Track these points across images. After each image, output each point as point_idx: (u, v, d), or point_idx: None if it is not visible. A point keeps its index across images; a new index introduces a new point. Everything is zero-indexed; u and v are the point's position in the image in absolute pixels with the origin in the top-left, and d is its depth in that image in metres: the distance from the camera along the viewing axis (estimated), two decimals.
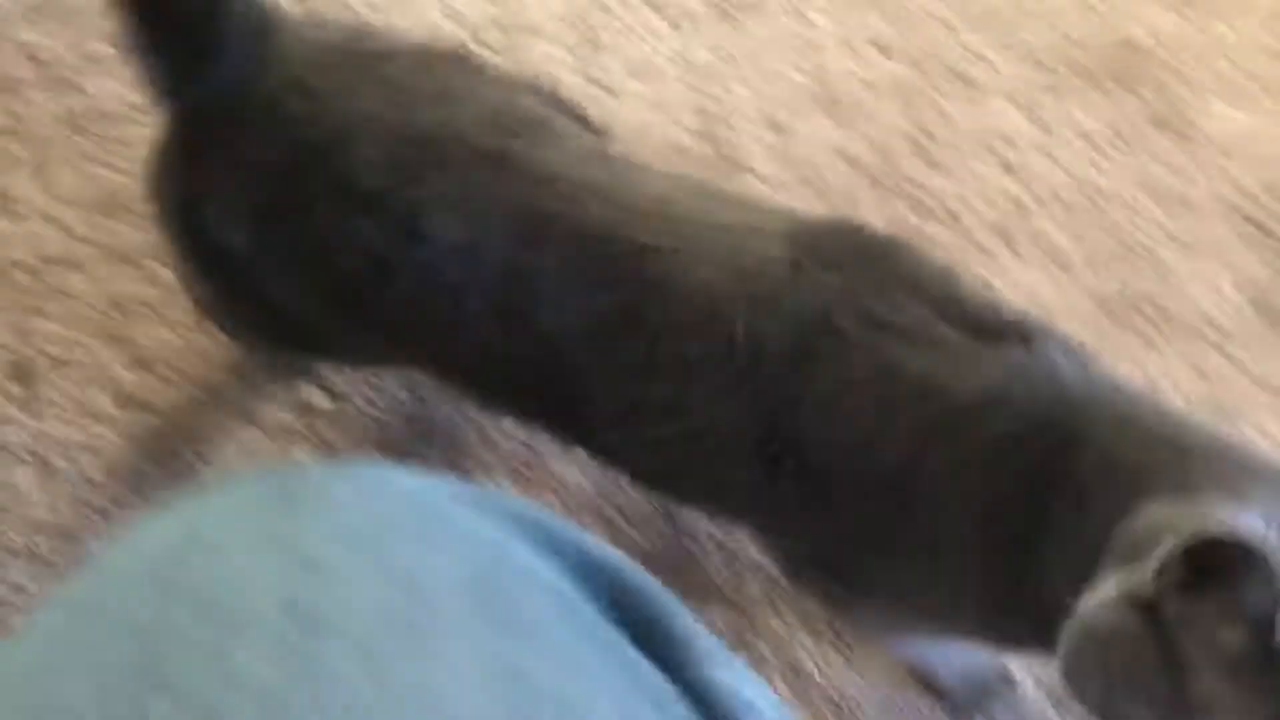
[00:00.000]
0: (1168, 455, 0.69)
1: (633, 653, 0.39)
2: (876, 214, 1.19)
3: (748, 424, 0.78)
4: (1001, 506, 0.72)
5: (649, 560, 0.91)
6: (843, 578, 0.84)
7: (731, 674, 0.42)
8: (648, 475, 0.90)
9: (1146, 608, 0.62)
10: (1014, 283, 1.13)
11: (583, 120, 0.91)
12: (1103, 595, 0.64)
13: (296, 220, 0.84)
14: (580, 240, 0.80)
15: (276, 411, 1.11)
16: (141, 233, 1.13)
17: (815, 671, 0.97)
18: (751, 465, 0.80)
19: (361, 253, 0.82)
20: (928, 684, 0.98)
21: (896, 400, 0.74)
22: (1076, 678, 0.67)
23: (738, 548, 1.02)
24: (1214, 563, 0.60)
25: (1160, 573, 0.61)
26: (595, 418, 0.84)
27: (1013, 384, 0.72)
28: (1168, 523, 0.63)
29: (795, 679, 0.96)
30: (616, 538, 1.04)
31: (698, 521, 1.04)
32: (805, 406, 0.76)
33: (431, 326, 0.85)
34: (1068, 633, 0.66)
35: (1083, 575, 0.66)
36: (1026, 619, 0.71)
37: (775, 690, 0.91)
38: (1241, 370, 1.07)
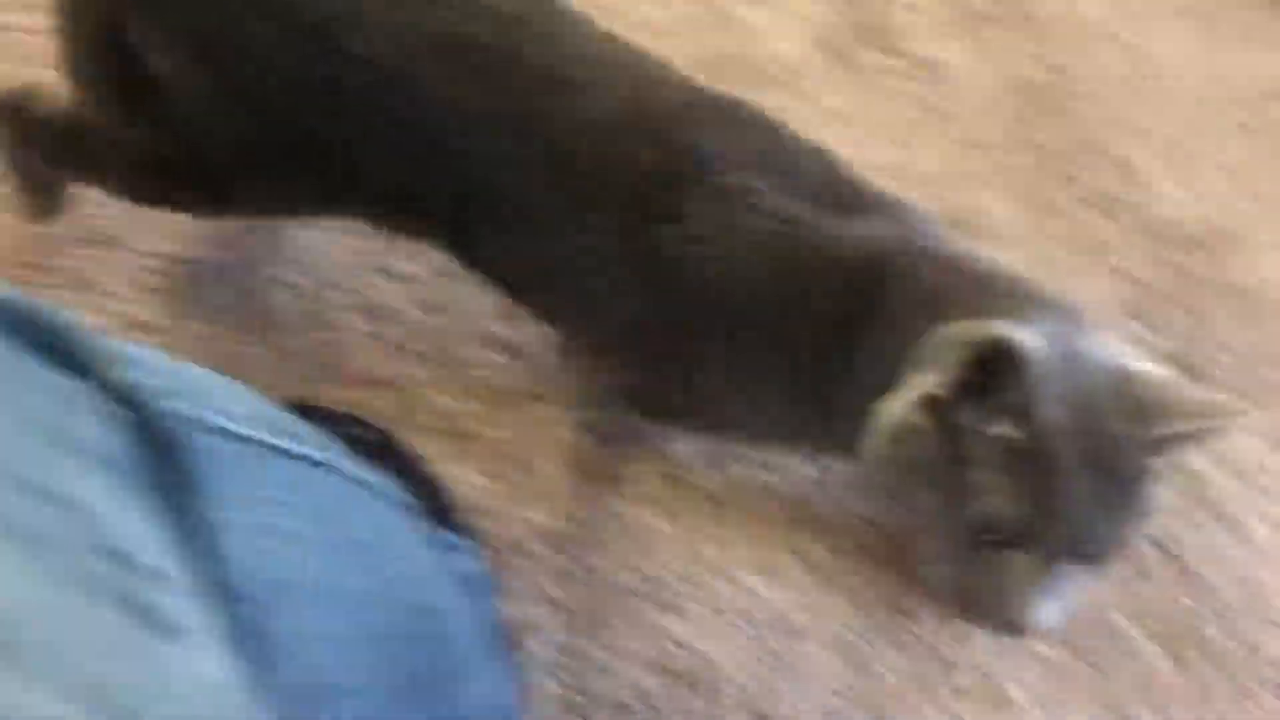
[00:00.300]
0: (966, 286, 0.78)
1: (34, 364, 0.47)
2: None
3: (627, 248, 0.85)
4: (827, 336, 0.81)
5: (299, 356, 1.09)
6: (681, 402, 0.93)
7: (135, 369, 0.49)
8: (533, 293, 0.96)
9: (936, 407, 0.72)
10: None
11: None
12: (900, 396, 0.74)
13: (223, 41, 0.85)
14: (498, 67, 0.84)
15: None
16: None
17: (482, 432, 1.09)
18: (629, 292, 0.87)
19: (286, 72, 0.85)
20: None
21: (747, 245, 0.82)
22: (876, 466, 0.77)
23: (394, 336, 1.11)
24: (994, 369, 0.70)
25: (947, 376, 0.71)
26: (492, 239, 0.90)
27: (849, 238, 0.81)
28: (958, 335, 0.72)
29: (464, 439, 1.08)
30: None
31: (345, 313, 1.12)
32: (674, 238, 0.83)
33: (345, 150, 0.88)
34: (870, 427, 0.75)
35: (888, 386, 0.75)
36: (845, 429, 0.79)
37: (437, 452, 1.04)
38: (815, 105, 1.30)
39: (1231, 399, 0.77)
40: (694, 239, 0.83)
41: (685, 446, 1.09)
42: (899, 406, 0.74)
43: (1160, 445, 0.74)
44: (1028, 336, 0.70)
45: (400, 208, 0.93)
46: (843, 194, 0.85)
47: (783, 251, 0.82)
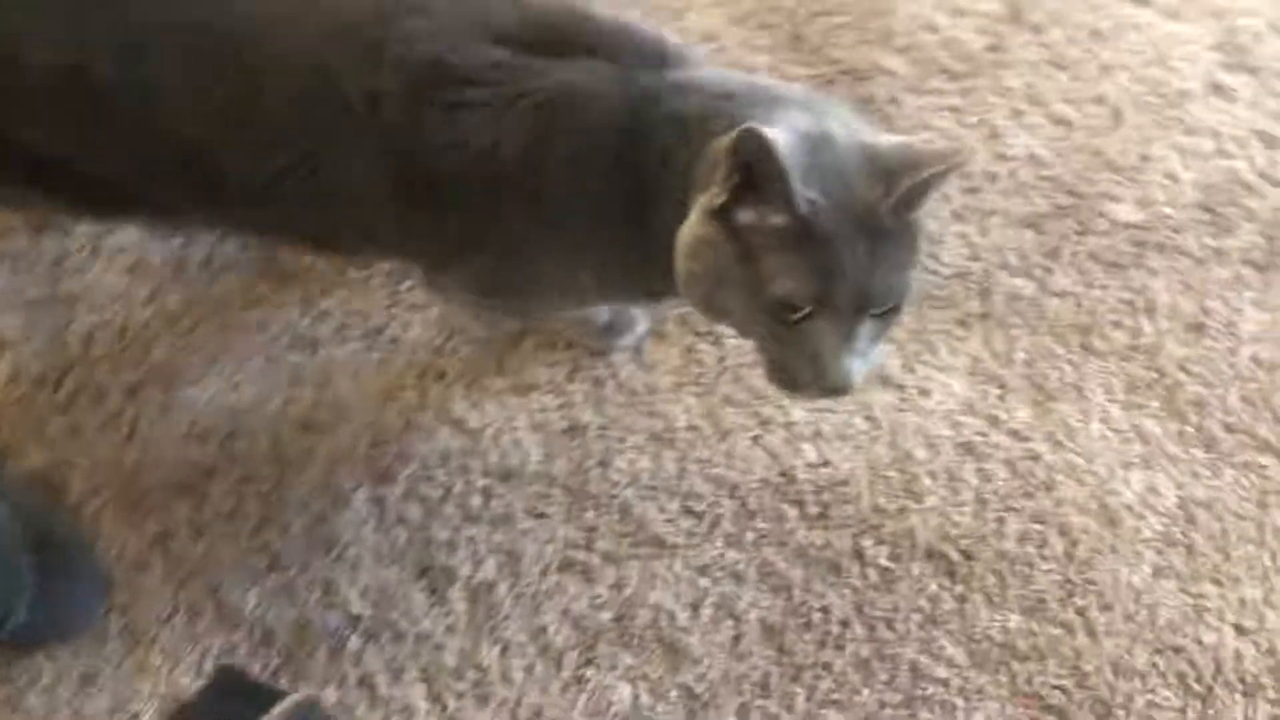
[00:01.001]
0: (719, 103, 0.86)
1: None
2: None
3: (379, 169, 0.89)
4: (610, 186, 0.89)
5: None
6: (493, 281, 0.99)
7: None
8: (302, 239, 1.02)
9: (719, 217, 0.82)
10: None
11: None
12: (692, 219, 0.83)
13: None
14: (186, 39, 0.87)
15: None
16: None
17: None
18: (390, 205, 0.91)
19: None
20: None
21: (506, 116, 0.87)
22: (686, 287, 0.86)
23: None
24: (757, 170, 0.79)
25: (720, 185, 0.81)
26: (240, 199, 0.93)
27: (595, 87, 0.88)
28: (719, 147, 0.81)
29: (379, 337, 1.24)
30: None
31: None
32: (427, 140, 0.87)
33: (76, 136, 0.91)
34: (674, 252, 0.84)
35: (682, 216, 0.84)
36: (655, 270, 0.87)
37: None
38: None
39: (956, 146, 0.93)
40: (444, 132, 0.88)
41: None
42: (688, 227, 0.84)
43: (909, 199, 0.83)
44: (774, 131, 0.79)
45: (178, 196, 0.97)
46: (553, 36, 0.90)
47: (532, 122, 0.88)
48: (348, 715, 1.13)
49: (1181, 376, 1.34)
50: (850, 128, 0.86)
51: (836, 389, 0.86)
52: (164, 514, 1.17)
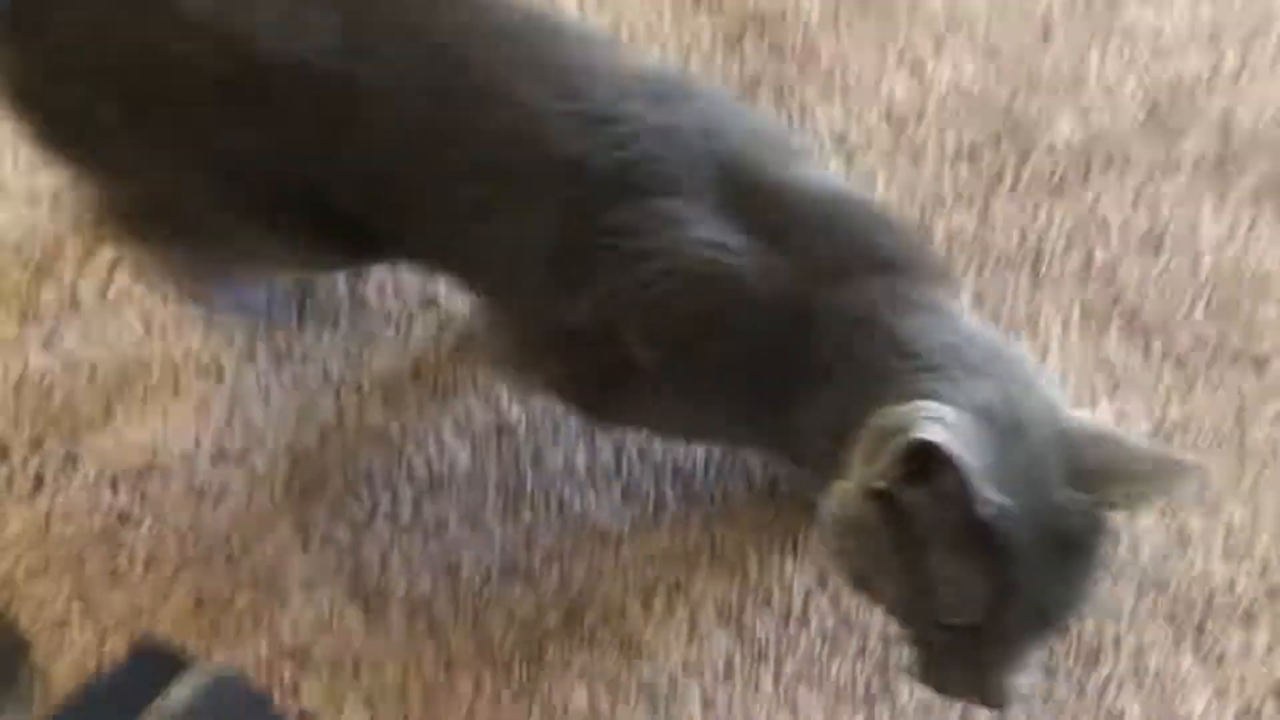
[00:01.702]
0: (899, 362, 0.79)
1: None
2: None
3: (547, 233, 0.85)
4: (764, 369, 0.83)
5: None
6: (608, 391, 0.94)
7: None
8: (448, 270, 0.98)
9: (882, 498, 0.74)
10: None
11: None
12: (849, 489, 0.76)
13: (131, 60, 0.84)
14: (410, 47, 0.83)
15: None
16: None
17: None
18: (542, 269, 0.87)
19: (197, 80, 0.83)
20: None
21: (678, 275, 0.82)
22: (835, 561, 0.80)
23: None
24: (929, 459, 0.70)
25: (886, 469, 0.72)
26: (410, 222, 0.90)
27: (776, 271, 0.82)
28: (888, 429, 0.73)
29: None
30: None
31: None
32: (603, 237, 0.83)
33: (264, 144, 0.86)
34: (824, 523, 0.78)
35: (826, 430, 0.80)
36: (786, 448, 0.88)
37: None
38: None
39: (1179, 455, 0.77)
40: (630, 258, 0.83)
41: None
42: (843, 498, 0.75)
43: (1108, 506, 0.73)
44: (952, 428, 0.70)
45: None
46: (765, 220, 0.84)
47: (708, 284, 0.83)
48: None
49: (1141, 296, 1.27)
50: (1044, 400, 0.77)
51: (994, 707, 0.79)
52: (80, 566, 1.12)
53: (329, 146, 0.86)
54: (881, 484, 0.73)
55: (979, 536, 0.71)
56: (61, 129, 0.91)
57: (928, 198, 1.30)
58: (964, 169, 1.32)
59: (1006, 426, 0.73)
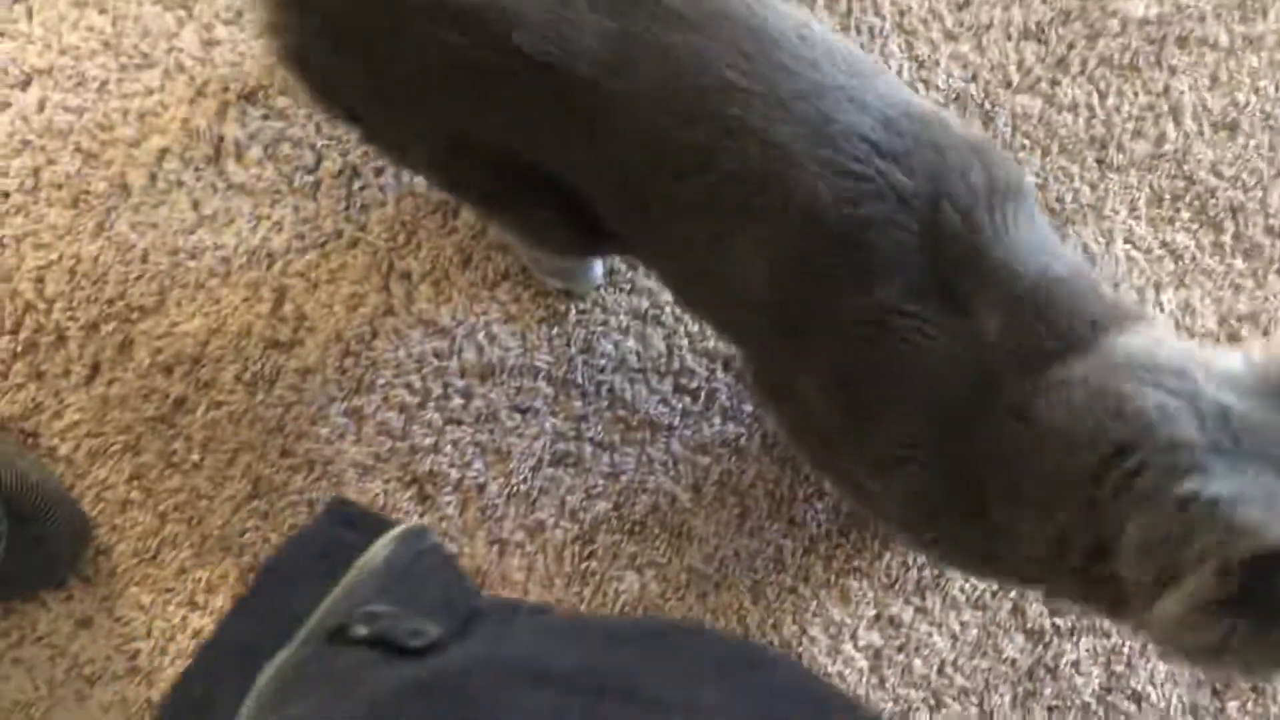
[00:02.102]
0: (1163, 457, 0.68)
1: None
2: None
3: (771, 278, 0.81)
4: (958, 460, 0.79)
5: None
6: (789, 428, 0.91)
7: None
8: (670, 282, 0.94)
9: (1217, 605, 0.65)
10: None
11: None
12: (1172, 606, 0.66)
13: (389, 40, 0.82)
14: (670, 69, 0.78)
15: None
16: None
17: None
18: (761, 314, 0.84)
19: (457, 68, 0.81)
20: None
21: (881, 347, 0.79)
22: (1178, 656, 0.70)
23: None
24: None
25: (1210, 587, 0.63)
26: (640, 238, 0.88)
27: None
28: (1220, 543, 0.63)
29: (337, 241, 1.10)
30: None
31: None
32: (824, 294, 0.80)
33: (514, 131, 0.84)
34: (1153, 631, 0.69)
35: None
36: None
37: None
38: None
39: None
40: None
41: None
42: (1178, 612, 0.66)
43: None
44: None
45: None
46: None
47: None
48: None
49: (1214, 181, 1.22)
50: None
51: None
52: (138, 449, 1.13)
53: (571, 148, 0.83)
54: (1218, 594, 0.65)
55: None
56: (322, 93, 0.90)
57: (992, 77, 1.25)
58: (1031, 48, 1.26)
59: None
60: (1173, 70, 1.25)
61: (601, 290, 1.18)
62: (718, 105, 0.79)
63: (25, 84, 1.20)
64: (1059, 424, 0.73)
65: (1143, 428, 0.68)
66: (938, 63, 1.25)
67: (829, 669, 1.10)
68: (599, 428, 1.15)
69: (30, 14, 1.21)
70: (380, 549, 0.73)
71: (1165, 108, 1.24)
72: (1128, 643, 1.12)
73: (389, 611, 0.64)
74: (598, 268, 1.15)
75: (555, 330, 1.17)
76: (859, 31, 1.26)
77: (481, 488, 1.14)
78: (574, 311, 1.18)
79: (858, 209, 0.78)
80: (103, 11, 1.22)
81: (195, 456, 1.13)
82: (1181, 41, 1.26)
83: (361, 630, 0.63)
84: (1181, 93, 1.25)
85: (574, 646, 0.66)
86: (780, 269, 0.81)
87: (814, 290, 0.81)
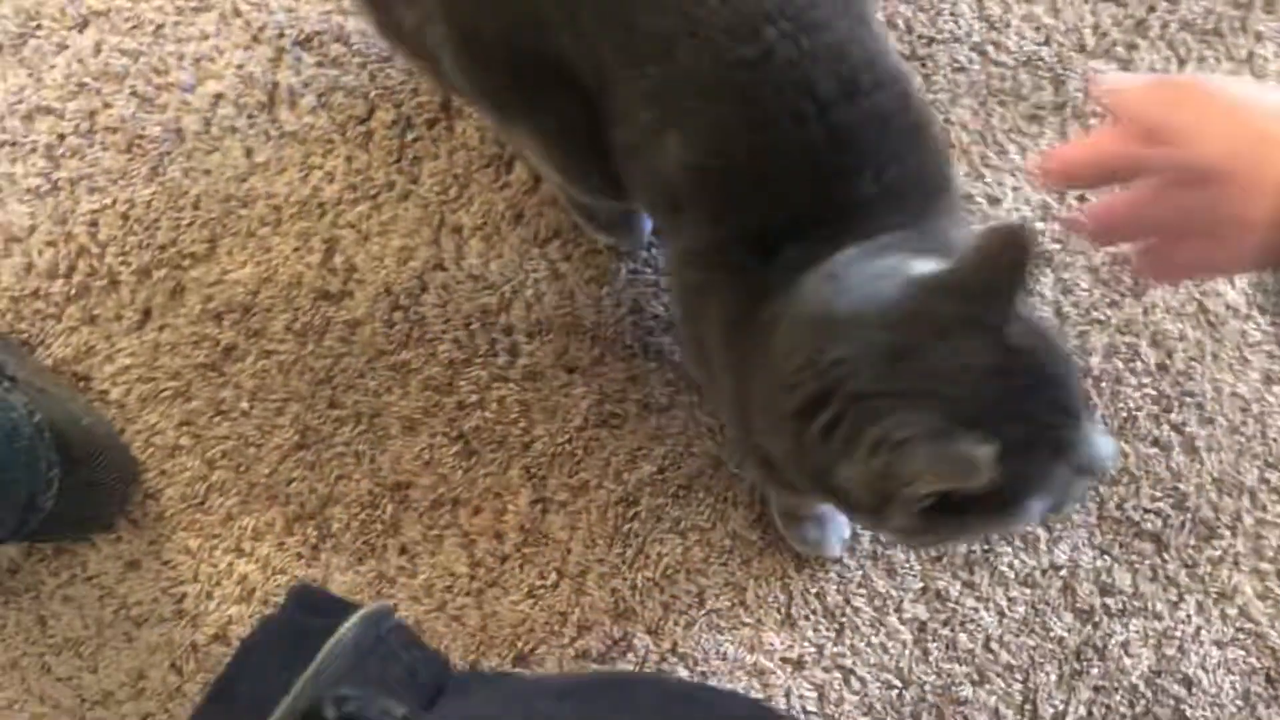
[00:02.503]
0: None
1: None
2: None
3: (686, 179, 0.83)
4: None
5: None
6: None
7: None
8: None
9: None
10: None
11: None
12: (889, 525, 0.73)
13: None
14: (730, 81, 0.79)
15: None
16: None
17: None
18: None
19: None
20: None
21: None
22: None
23: None
24: None
25: None
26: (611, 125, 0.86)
27: None
28: None
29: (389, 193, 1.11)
30: None
31: None
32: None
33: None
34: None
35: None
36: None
37: None
38: None
39: None
40: None
41: None
42: (894, 527, 0.74)
43: None
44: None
45: None
46: None
47: None
48: (386, 584, 1.10)
49: None
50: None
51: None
52: (188, 396, 1.14)
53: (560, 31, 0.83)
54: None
55: None
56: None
57: (1066, 40, 1.20)
58: (1107, 9, 1.21)
59: None
60: (1259, 36, 1.20)
61: (654, 250, 1.16)
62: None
63: (82, 26, 1.20)
64: (773, 362, 0.77)
65: (831, 381, 0.71)
66: (1009, 24, 1.21)
67: (872, 639, 1.09)
68: (646, 389, 1.14)
69: None
70: (347, 631, 0.75)
71: (1249, 75, 1.19)
72: (1180, 626, 1.09)
73: (358, 694, 0.66)
74: (647, 224, 1.13)
75: (605, 290, 1.16)
76: None
77: (527, 446, 1.13)
78: (624, 271, 1.16)
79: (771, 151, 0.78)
80: None
81: (244, 405, 1.14)
82: (1269, 6, 1.20)
83: (331, 713, 0.64)
84: (1266, 60, 1.19)
85: (525, 706, 0.72)
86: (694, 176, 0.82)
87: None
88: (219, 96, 1.19)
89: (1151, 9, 1.21)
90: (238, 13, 1.20)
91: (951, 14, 1.21)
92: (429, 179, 1.17)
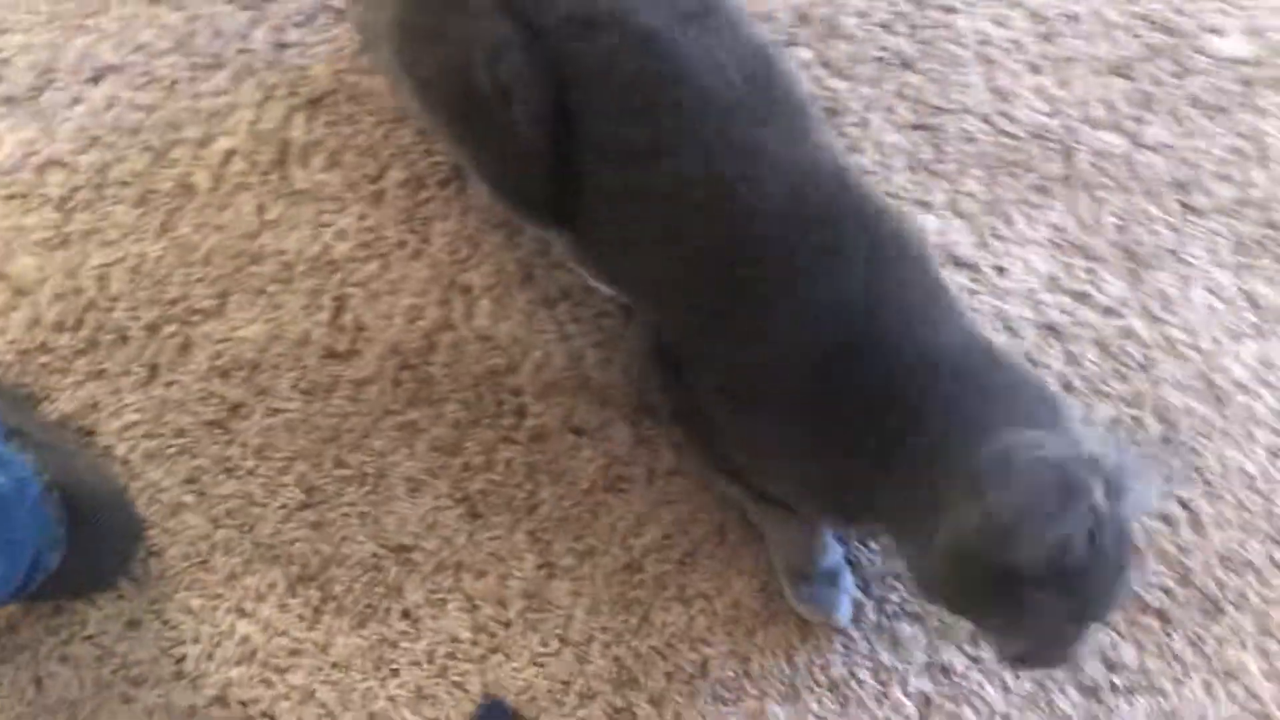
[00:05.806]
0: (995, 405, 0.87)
1: None
2: None
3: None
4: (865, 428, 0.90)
5: None
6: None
7: None
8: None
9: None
10: None
11: None
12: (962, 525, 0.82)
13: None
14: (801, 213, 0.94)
15: None
16: None
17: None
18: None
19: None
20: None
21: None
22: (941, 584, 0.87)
23: None
24: None
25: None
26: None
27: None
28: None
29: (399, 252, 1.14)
30: None
31: None
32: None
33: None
34: (939, 553, 0.84)
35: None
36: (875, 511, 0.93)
37: None
38: None
39: None
40: None
41: None
42: (961, 535, 0.83)
43: None
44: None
45: None
46: None
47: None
48: (388, 648, 1.09)
49: None
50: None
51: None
52: (193, 452, 1.13)
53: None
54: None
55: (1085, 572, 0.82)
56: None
57: (1074, 113, 1.21)
58: (1116, 84, 1.22)
59: None
60: (1262, 113, 1.21)
61: None
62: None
63: (97, 80, 1.20)
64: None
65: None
66: (1018, 95, 1.22)
67: (876, 714, 1.08)
68: (653, 453, 1.14)
69: (107, 7, 1.21)
70: None
71: (1253, 152, 1.20)
72: (1186, 704, 1.09)
73: None
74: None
75: (612, 349, 1.16)
76: (937, 58, 1.23)
77: (532, 509, 1.13)
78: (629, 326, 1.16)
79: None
80: (178, 9, 1.22)
81: (250, 463, 1.13)
82: (1274, 83, 1.22)
83: None
84: (1270, 136, 1.20)
85: None
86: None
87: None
88: (231, 153, 1.19)
89: (1158, 83, 1.22)
90: (251, 70, 1.20)
91: (961, 84, 1.22)
92: (440, 238, 1.18)
